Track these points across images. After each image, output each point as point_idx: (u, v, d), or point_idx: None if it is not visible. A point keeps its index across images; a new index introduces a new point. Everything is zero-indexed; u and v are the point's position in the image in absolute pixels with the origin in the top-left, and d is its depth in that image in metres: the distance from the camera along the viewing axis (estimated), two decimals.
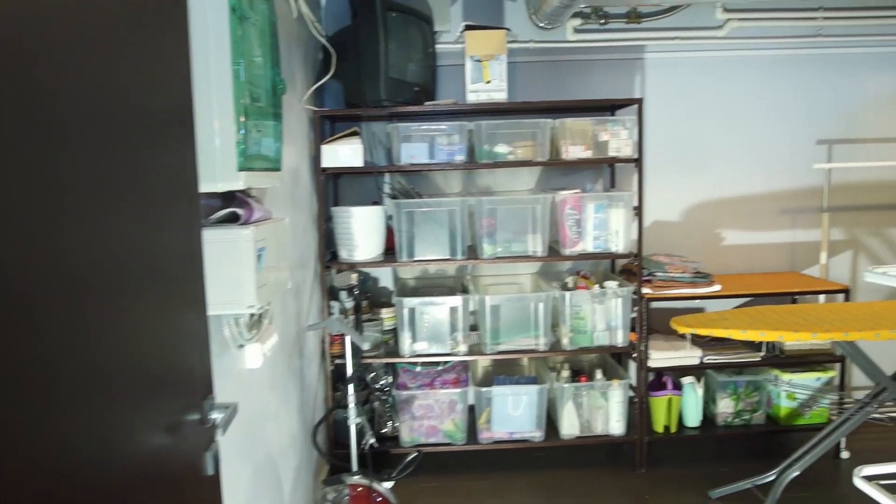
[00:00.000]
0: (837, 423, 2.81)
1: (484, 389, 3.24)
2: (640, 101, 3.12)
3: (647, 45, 3.61)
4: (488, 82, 3.12)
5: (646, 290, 3.20)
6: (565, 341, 3.23)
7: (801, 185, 3.75)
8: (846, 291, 3.29)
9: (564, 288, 3.34)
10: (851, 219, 3.80)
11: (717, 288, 3.22)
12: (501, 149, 3.16)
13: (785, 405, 3.38)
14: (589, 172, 3.63)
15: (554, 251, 3.26)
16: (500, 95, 3.15)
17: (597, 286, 3.26)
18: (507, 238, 3.17)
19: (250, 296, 1.72)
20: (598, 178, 3.58)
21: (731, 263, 3.77)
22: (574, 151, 3.16)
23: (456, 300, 3.17)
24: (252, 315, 1.94)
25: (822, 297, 3.50)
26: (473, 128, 3.17)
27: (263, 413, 2.21)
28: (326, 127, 3.47)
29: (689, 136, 3.67)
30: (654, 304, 3.57)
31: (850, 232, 3.80)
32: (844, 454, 3.36)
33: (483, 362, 3.68)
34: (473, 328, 3.40)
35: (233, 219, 1.78)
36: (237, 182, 1.64)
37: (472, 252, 3.31)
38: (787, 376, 3.35)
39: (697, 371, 3.39)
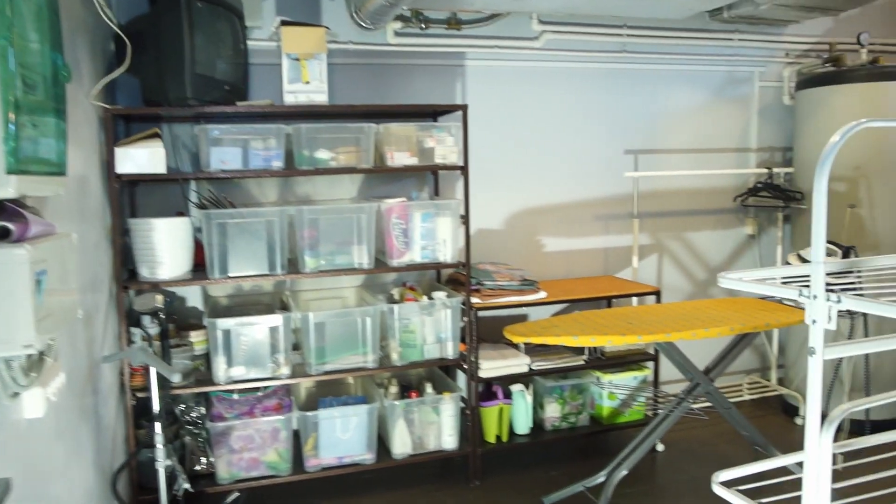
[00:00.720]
0: (659, 419, 2.92)
1: (309, 413, 3.00)
2: (464, 108, 3.07)
3: (467, 52, 3.59)
4: (307, 83, 2.91)
5: (475, 300, 3.14)
6: (395, 356, 3.09)
7: (612, 192, 3.93)
8: (657, 293, 3.47)
9: (391, 301, 3.21)
10: (656, 224, 4.04)
11: (542, 295, 3.25)
12: (323, 154, 2.95)
13: (607, 405, 3.49)
14: (413, 180, 3.53)
15: (381, 262, 3.11)
16: (321, 97, 2.95)
17: (425, 297, 3.15)
18: (330, 250, 2.97)
19: (27, 332, 1.40)
20: (424, 186, 3.48)
21: (552, 269, 3.85)
22: (399, 158, 3.04)
23: (276, 319, 2.90)
24: (31, 355, 1.58)
25: (635, 300, 3.67)
26: (292, 131, 2.93)
27: (50, 471, 1.83)
28: (121, 128, 3.05)
29: (510, 144, 3.70)
30: (482, 313, 3.54)
31: (655, 236, 4.04)
32: (659, 447, 3.54)
33: (307, 384, 3.43)
34: (296, 347, 3.15)
35: (2, 235, 1.43)
36: (6, 188, 1.31)
37: (293, 266, 3.07)
38: (607, 377, 3.47)
39: (526, 378, 3.40)
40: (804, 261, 3.08)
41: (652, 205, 4.01)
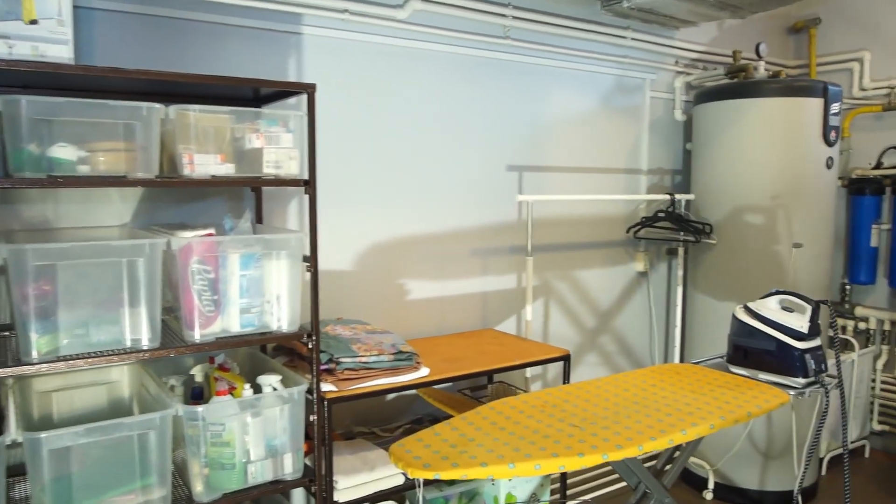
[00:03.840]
0: None
1: None
2: (310, 90, 1.97)
3: (305, 14, 2.48)
4: (33, 22, 1.63)
5: (327, 387, 2.03)
6: (200, 488, 1.88)
7: (492, 219, 3.02)
8: (567, 358, 2.59)
9: (194, 396, 1.99)
10: (542, 261, 3.19)
11: (424, 372, 2.22)
12: (66, 152, 1.68)
13: None
14: (226, 200, 2.34)
15: (171, 335, 1.90)
16: (59, 51, 1.69)
17: (247, 386, 1.98)
18: (80, 318, 1.71)
19: None
20: (245, 210, 2.31)
21: (420, 323, 2.84)
22: (204, 163, 1.86)
23: None
24: None
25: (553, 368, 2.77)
26: (3, 108, 1.63)
27: None
28: None
29: (361, 151, 2.64)
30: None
31: (541, 276, 3.19)
32: None
33: None
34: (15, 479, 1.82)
35: None
36: None
37: (8, 348, 1.75)
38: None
39: (400, 494, 2.34)
40: (757, 317, 2.36)
41: (536, 237, 3.16)
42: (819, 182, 3.10)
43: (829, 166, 3.11)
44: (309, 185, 1.94)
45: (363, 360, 2.08)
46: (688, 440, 1.84)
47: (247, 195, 2.37)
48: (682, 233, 3.31)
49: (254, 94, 2.16)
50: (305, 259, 1.97)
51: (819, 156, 3.07)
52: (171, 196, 2.23)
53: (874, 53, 3.76)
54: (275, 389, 1.98)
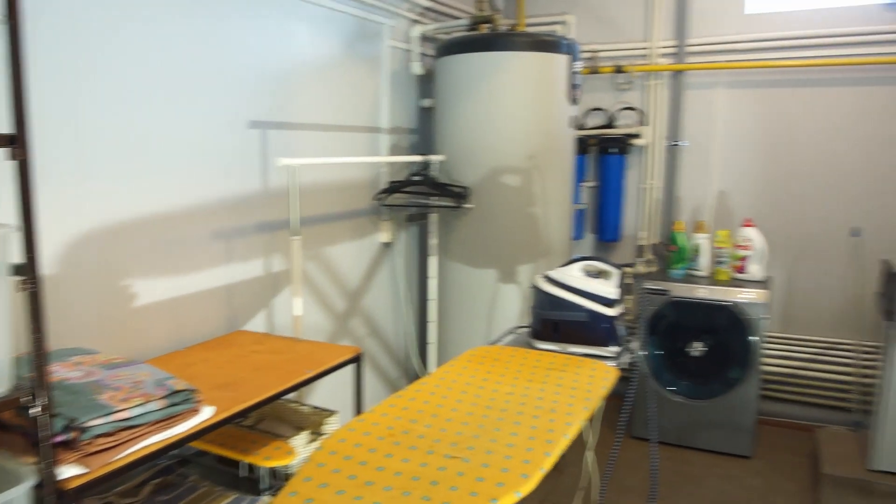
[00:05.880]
0: None
1: None
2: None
3: None
4: None
5: (70, 470, 1.27)
6: None
7: (237, 190, 2.35)
8: (358, 358, 2.13)
9: None
10: (282, 239, 2.63)
11: (208, 413, 1.56)
12: None
13: None
14: None
15: None
16: None
17: None
18: None
19: None
20: None
21: (155, 337, 2.08)
22: None
23: None
24: None
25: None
26: None
27: None
28: None
29: (54, 101, 1.77)
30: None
31: (286, 256, 2.63)
32: None
33: None
34: None
35: None
36: None
37: None
38: None
39: None
40: (564, 286, 2.19)
41: (279, 209, 2.58)
42: (566, 141, 3.08)
43: (571, 125, 3.11)
44: (17, 144, 1.14)
45: (123, 416, 1.35)
46: (572, 439, 1.56)
47: None
48: (434, 198, 3.03)
49: None
50: (19, 270, 1.17)
51: (566, 114, 3.04)
52: None
53: (577, 17, 3.91)
54: None
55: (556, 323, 2.19)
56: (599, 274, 2.24)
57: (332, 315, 2.91)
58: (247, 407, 1.67)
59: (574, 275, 2.22)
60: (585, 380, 1.89)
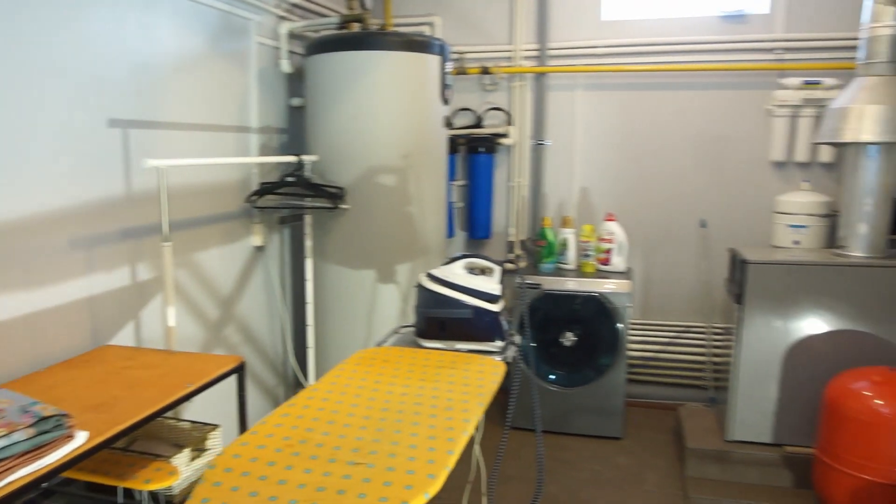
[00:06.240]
0: None
1: None
2: None
3: None
4: None
5: None
6: None
7: (98, 195, 2.17)
8: (242, 368, 2.04)
9: None
10: (154, 244, 2.47)
11: (81, 439, 1.43)
12: None
13: None
14: None
15: None
16: None
17: None
18: None
19: None
20: None
21: (8, 359, 1.88)
22: None
23: None
24: None
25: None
26: None
27: None
28: None
29: None
30: None
31: (153, 263, 2.47)
32: None
33: None
34: None
35: None
36: None
37: None
38: None
39: None
40: (449, 285, 2.21)
41: (147, 213, 2.41)
42: (440, 141, 3.11)
43: (444, 125, 3.15)
44: None
45: None
46: (471, 434, 1.57)
47: None
48: (309, 199, 2.96)
49: None
50: None
51: (439, 114, 3.07)
52: None
53: (443, 19, 3.96)
54: None
55: (441, 321, 2.21)
56: (482, 271, 2.28)
57: (205, 324, 2.77)
58: (126, 427, 1.55)
59: (457, 272, 2.25)
60: (476, 375, 1.92)
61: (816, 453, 2.60)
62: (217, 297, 2.84)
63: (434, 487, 1.31)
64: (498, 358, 2.12)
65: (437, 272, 2.27)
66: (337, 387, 1.81)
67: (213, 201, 2.79)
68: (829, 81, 3.42)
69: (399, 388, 1.81)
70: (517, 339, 2.33)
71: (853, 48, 3.17)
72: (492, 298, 2.20)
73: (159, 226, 2.44)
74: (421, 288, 2.26)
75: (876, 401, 2.38)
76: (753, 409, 2.90)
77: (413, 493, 1.27)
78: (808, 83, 3.45)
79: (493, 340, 2.19)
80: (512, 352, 2.23)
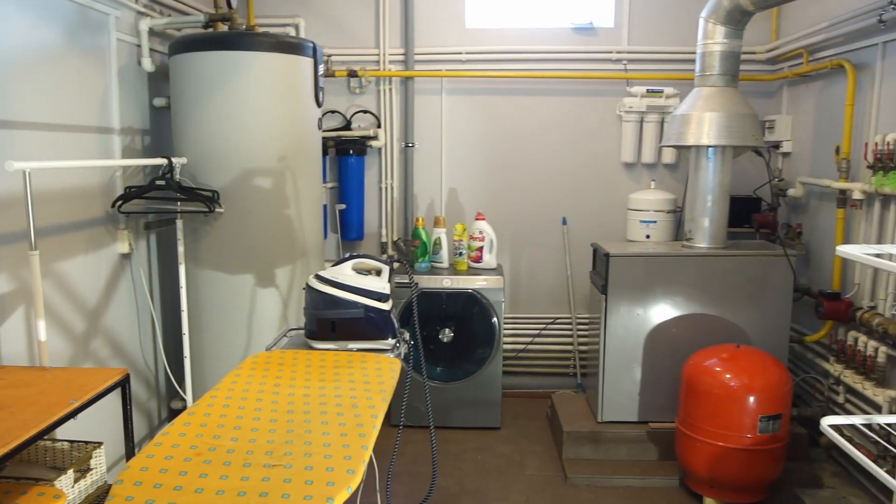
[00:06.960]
0: None
1: None
2: None
3: None
4: None
5: None
6: None
7: None
8: (127, 380, 1.94)
9: None
10: (16, 254, 2.28)
11: None
12: None
13: None
14: None
15: None
16: None
17: None
18: None
19: None
20: None
21: None
22: None
23: None
24: None
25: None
26: None
27: None
28: None
29: None
30: None
31: (16, 276, 2.28)
32: None
33: None
34: None
35: None
36: None
37: None
38: None
39: None
40: (339, 286, 2.23)
41: (2, 222, 2.23)
42: (315, 143, 3.10)
43: (319, 127, 3.14)
44: None
45: None
46: (378, 429, 1.61)
47: None
48: (180, 203, 2.85)
49: None
50: None
51: (313, 116, 3.06)
52: None
53: (308, 21, 3.94)
54: None
55: (332, 322, 2.22)
56: (370, 271, 2.32)
57: (71, 338, 2.58)
58: (7, 452, 1.44)
59: (347, 273, 2.27)
60: (374, 373, 1.96)
61: (678, 426, 2.87)
62: (82, 309, 2.66)
63: (355, 482, 1.34)
64: (391, 355, 2.17)
65: (326, 273, 2.27)
66: (235, 392, 1.78)
67: (74, 207, 2.61)
68: (669, 90, 3.78)
69: (300, 390, 1.81)
70: (407, 336, 2.39)
71: (691, 61, 3.53)
72: (382, 297, 2.24)
73: (13, 234, 2.26)
74: (310, 289, 2.25)
75: (726, 375, 2.68)
76: (620, 391, 3.15)
77: (335, 489, 1.29)
78: (651, 91, 3.79)
79: (385, 338, 2.23)
80: (404, 348, 2.28)
